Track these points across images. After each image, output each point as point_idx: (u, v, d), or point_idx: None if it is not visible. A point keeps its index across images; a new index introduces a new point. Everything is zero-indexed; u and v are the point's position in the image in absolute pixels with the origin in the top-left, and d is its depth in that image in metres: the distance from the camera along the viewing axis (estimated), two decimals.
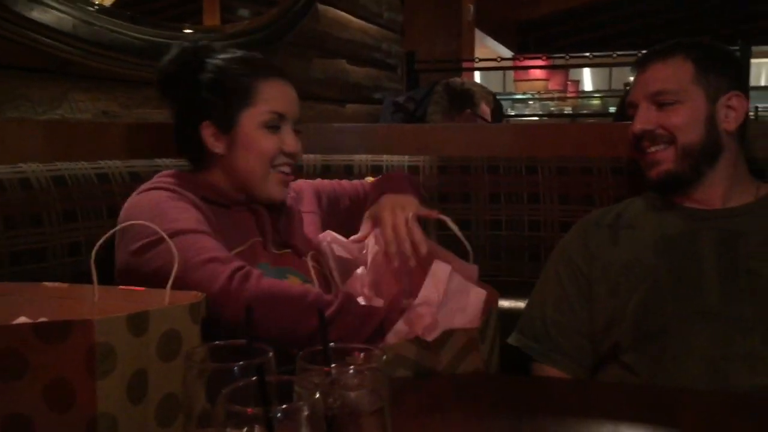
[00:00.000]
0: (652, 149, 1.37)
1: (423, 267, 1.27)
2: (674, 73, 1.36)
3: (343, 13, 3.36)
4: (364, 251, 1.38)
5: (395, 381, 1.12)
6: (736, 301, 1.25)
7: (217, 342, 0.76)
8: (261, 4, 2.82)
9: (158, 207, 1.24)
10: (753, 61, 8.65)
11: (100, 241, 0.97)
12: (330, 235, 1.41)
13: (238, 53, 1.42)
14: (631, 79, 1.45)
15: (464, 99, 2.72)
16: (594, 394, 1.19)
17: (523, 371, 1.43)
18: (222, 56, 1.40)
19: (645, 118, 1.37)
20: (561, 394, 1.17)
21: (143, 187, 1.31)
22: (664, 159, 1.35)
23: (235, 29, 2.51)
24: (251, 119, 1.35)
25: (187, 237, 1.18)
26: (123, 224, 1.20)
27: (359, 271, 1.35)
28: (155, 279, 1.10)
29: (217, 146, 1.35)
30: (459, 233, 1.36)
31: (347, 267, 1.38)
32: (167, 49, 1.42)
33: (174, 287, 0.98)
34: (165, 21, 2.24)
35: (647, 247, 1.35)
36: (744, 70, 1.44)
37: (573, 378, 1.38)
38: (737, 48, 4.08)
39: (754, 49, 8.18)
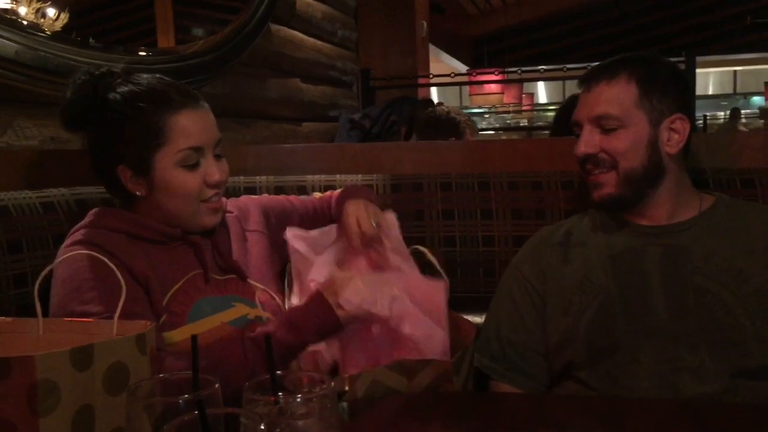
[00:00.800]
0: (596, 172, 1.38)
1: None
2: (617, 97, 1.34)
3: (296, 33, 3.37)
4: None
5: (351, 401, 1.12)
6: (682, 316, 1.28)
7: (162, 375, 0.75)
8: (215, 23, 2.82)
9: (76, 278, 1.17)
10: (701, 70, 8.94)
11: (43, 273, 0.95)
12: (291, 231, 1.39)
13: (143, 82, 1.29)
14: (579, 91, 1.46)
15: (449, 128, 2.74)
16: (547, 407, 1.21)
17: (484, 387, 1.44)
18: (124, 89, 1.27)
19: (588, 142, 1.36)
20: (514, 407, 1.18)
21: (70, 239, 1.24)
22: (607, 182, 1.36)
23: (188, 50, 2.49)
24: (166, 160, 1.26)
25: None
26: (54, 273, 1.18)
27: (322, 257, 1.36)
28: None
29: (137, 188, 1.28)
30: (434, 260, 1.39)
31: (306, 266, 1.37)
32: (71, 76, 1.31)
33: None
34: (118, 42, 2.22)
35: (597, 265, 1.37)
36: (689, 87, 1.44)
37: (527, 392, 1.40)
38: (682, 60, 4.21)
39: (706, 58, 8.40)
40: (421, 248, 1.43)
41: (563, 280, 1.38)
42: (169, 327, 1.22)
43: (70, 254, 1.20)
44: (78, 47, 1.90)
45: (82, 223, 1.27)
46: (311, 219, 1.54)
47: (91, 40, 2.03)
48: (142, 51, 2.33)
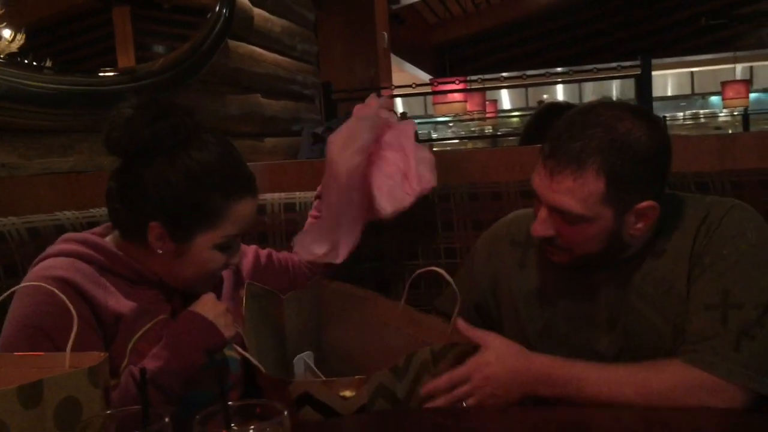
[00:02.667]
0: (549, 248, 1.29)
1: None
2: (582, 193, 1.17)
3: (255, 48, 3.36)
4: None
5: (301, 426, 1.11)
6: (621, 340, 1.28)
7: (110, 411, 0.73)
8: (175, 39, 2.79)
9: (38, 321, 1.12)
10: (659, 72, 9.11)
11: None
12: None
13: (213, 151, 1.22)
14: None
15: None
16: (515, 418, 1.21)
17: None
18: (197, 155, 1.20)
19: (545, 227, 1.25)
20: (482, 420, 1.18)
21: (39, 269, 1.19)
22: (561, 256, 1.28)
23: (148, 69, 2.46)
24: (208, 240, 1.23)
25: None
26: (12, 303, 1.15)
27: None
28: None
29: (159, 247, 1.23)
30: None
31: None
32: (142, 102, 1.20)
33: None
34: (77, 61, 2.19)
35: (550, 279, 1.36)
36: (665, 161, 1.23)
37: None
38: (638, 63, 4.28)
39: (662, 61, 8.57)
40: None
41: (516, 285, 1.38)
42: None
43: (32, 285, 1.14)
44: (31, 71, 1.87)
45: (54, 249, 1.23)
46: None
47: (48, 61, 2.00)
48: (99, 72, 2.30)
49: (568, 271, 1.33)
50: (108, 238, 1.29)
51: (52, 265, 1.19)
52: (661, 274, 1.25)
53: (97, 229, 1.32)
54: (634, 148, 1.17)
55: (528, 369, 1.20)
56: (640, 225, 1.23)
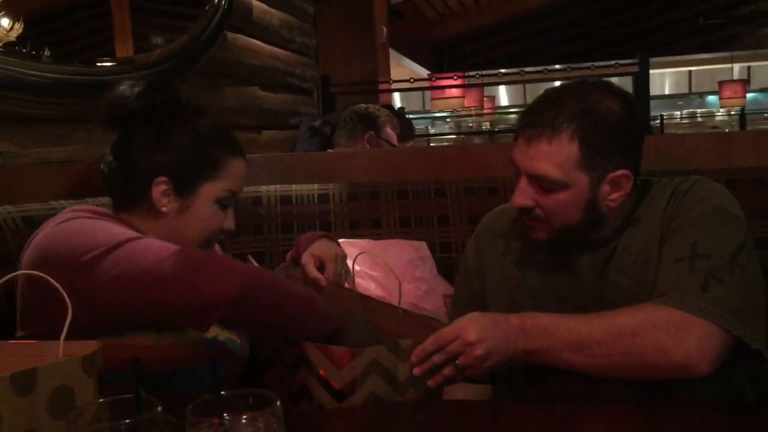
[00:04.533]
0: (530, 221, 1.32)
1: None
2: (558, 158, 1.23)
3: (254, 40, 3.35)
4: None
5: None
6: None
7: (102, 400, 0.73)
8: (174, 31, 2.79)
9: (93, 227, 1.18)
10: (657, 71, 9.11)
11: None
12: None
13: (208, 114, 1.36)
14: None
15: (367, 122, 2.76)
16: (501, 412, 1.22)
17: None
18: (196, 115, 1.33)
19: (525, 197, 1.29)
20: (464, 413, 1.18)
21: (59, 218, 1.23)
22: (540, 229, 1.31)
23: (146, 59, 2.46)
24: (210, 193, 1.30)
25: (140, 241, 1.16)
26: (45, 251, 1.16)
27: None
28: (115, 287, 1.10)
29: (164, 205, 1.28)
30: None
31: None
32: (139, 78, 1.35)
33: (146, 288, 1.08)
34: (75, 51, 2.19)
35: (533, 266, 1.38)
36: (640, 132, 1.31)
37: (478, 400, 1.41)
38: (636, 61, 4.29)
39: (660, 59, 8.56)
40: None
41: (501, 274, 1.39)
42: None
43: (65, 224, 1.20)
44: (29, 60, 1.86)
45: (63, 215, 1.25)
46: None
47: (46, 50, 2.00)
48: (97, 62, 2.29)
49: (551, 257, 1.36)
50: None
51: (70, 222, 1.21)
52: (637, 248, 1.28)
53: (94, 207, 1.34)
54: (606, 116, 1.24)
55: (507, 320, 1.22)
56: (615, 195, 1.27)
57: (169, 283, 1.11)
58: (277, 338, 1.25)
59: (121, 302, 1.12)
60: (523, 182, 1.29)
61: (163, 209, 1.28)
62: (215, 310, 1.13)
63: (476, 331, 1.18)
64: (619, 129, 1.25)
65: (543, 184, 1.26)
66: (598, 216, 1.29)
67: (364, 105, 2.97)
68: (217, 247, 1.45)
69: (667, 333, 1.13)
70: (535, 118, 1.27)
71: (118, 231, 1.18)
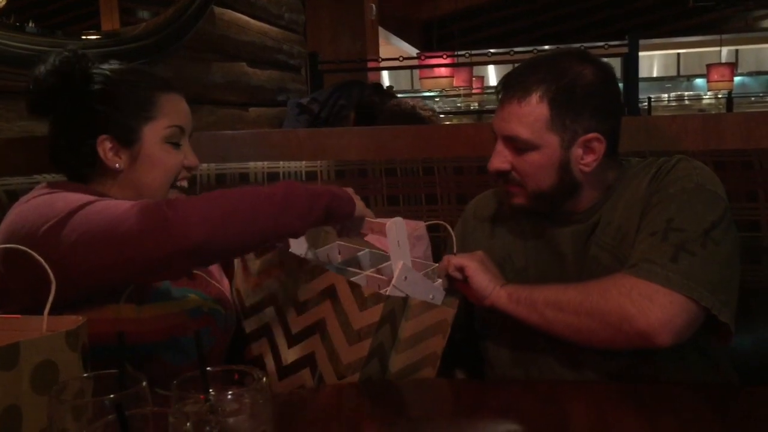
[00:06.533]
0: (507, 186, 1.35)
1: None
2: (528, 119, 1.27)
3: (241, 16, 3.31)
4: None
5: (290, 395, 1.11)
6: None
7: (86, 374, 0.72)
8: (161, 4, 2.74)
9: (51, 198, 1.16)
10: (646, 53, 9.10)
11: None
12: None
13: (123, 64, 1.36)
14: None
15: (414, 121, 2.71)
16: (488, 391, 1.22)
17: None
18: (112, 66, 1.33)
19: (500, 159, 1.32)
20: (454, 392, 1.19)
21: (27, 196, 1.22)
22: (518, 194, 1.34)
23: (129, 33, 2.42)
24: (154, 133, 1.30)
25: (96, 204, 1.12)
26: (10, 229, 1.14)
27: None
28: (76, 252, 1.06)
29: (116, 161, 1.28)
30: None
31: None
32: (42, 58, 1.32)
33: (106, 248, 1.05)
34: (61, 25, 2.15)
35: (518, 247, 1.40)
36: (613, 96, 1.34)
37: (465, 379, 1.42)
38: (626, 42, 4.28)
39: (649, 41, 8.54)
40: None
41: (489, 253, 1.39)
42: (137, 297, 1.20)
43: (32, 201, 1.18)
44: (12, 31, 1.83)
45: (32, 193, 1.23)
46: None
47: (30, 23, 1.96)
48: (82, 35, 2.26)
49: (535, 236, 1.38)
50: None
51: (37, 198, 1.19)
52: (617, 223, 1.30)
53: (60, 182, 1.33)
54: (576, 79, 1.28)
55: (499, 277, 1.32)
56: (588, 159, 1.29)
57: (127, 240, 1.05)
58: (272, 242, 1.25)
59: (85, 266, 1.07)
60: (499, 145, 1.34)
61: (117, 165, 1.28)
62: (184, 258, 1.07)
63: (472, 258, 1.32)
64: (590, 93, 1.28)
65: (516, 144, 1.30)
66: (572, 180, 1.31)
67: (409, 102, 2.88)
68: (176, 194, 1.39)
69: (630, 299, 1.15)
70: (510, 81, 1.33)
71: (75, 198, 1.15)
